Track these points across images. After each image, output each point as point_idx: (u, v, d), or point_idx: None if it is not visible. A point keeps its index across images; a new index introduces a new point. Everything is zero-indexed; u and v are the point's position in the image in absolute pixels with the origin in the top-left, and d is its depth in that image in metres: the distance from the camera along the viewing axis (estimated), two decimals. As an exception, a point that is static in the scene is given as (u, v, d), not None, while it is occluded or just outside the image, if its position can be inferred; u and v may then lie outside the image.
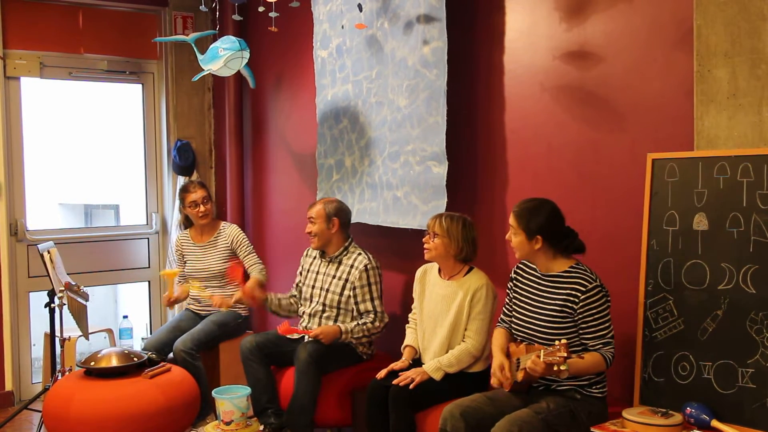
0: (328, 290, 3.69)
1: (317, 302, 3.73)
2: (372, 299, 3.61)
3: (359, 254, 3.69)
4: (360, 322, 3.57)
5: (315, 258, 3.87)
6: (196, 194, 4.43)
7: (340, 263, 3.71)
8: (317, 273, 3.79)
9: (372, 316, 3.60)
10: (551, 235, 2.70)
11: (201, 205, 4.42)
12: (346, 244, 3.75)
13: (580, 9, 3.04)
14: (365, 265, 3.62)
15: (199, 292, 4.37)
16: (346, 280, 3.64)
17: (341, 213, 3.75)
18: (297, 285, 3.93)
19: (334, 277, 3.69)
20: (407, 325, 3.43)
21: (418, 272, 3.38)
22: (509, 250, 3.34)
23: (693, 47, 2.59)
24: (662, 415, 2.47)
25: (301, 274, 3.92)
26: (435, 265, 3.30)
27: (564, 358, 2.40)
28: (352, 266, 3.65)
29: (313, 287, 3.77)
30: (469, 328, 3.11)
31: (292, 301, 3.92)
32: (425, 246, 3.20)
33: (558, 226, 2.73)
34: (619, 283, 2.87)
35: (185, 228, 4.62)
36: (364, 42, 3.91)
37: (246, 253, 4.45)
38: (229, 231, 4.49)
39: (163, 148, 5.50)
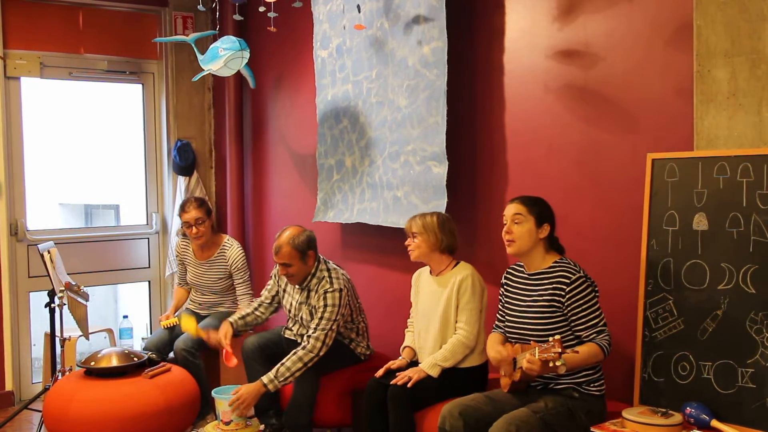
0: (302, 318, 3.62)
1: (300, 327, 3.67)
2: (320, 318, 3.43)
3: (324, 278, 3.53)
4: (285, 361, 3.36)
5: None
6: (189, 215, 4.29)
7: (309, 290, 3.58)
8: (292, 297, 3.69)
9: (308, 339, 3.39)
10: (553, 225, 2.77)
11: (194, 227, 4.29)
12: (313, 270, 3.58)
13: (580, 9, 3.04)
14: (324, 290, 3.47)
15: (191, 332, 4.10)
16: (314, 307, 3.54)
17: (312, 241, 3.55)
18: (272, 298, 3.81)
19: (305, 304, 3.59)
20: (406, 329, 3.42)
21: (414, 276, 3.38)
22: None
23: (693, 47, 2.59)
24: (662, 415, 2.47)
25: (278, 286, 3.81)
26: (428, 267, 3.30)
27: (559, 353, 2.40)
28: (316, 292, 3.53)
29: (290, 311, 3.72)
30: (460, 320, 3.10)
31: (258, 314, 3.80)
32: (408, 248, 3.21)
33: (554, 219, 2.80)
34: (619, 283, 2.87)
35: (184, 236, 4.54)
36: (364, 42, 3.91)
37: (240, 281, 4.39)
38: (230, 253, 4.38)
39: (163, 148, 5.50)
